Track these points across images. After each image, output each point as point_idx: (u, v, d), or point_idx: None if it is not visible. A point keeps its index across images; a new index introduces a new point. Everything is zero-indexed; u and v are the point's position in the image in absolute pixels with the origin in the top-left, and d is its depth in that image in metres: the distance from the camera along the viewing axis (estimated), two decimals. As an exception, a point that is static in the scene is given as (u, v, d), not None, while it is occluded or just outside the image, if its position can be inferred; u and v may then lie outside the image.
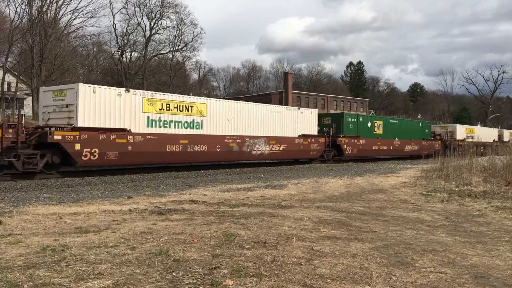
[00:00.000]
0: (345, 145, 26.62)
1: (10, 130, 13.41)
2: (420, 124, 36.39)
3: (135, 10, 54.06)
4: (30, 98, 39.63)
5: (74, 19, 41.68)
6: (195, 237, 5.96)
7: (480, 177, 14.38)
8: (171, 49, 59.12)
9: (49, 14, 38.09)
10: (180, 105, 18.01)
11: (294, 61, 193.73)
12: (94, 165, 16.05)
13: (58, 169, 15.32)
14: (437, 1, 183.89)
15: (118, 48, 54.85)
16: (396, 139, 31.91)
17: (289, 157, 24.17)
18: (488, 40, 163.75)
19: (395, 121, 34.04)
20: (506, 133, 51.12)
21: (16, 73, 41.08)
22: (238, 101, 21.20)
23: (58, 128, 14.61)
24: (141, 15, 54.85)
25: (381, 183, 14.54)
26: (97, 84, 18.23)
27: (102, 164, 16.07)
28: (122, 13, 54.76)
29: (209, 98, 19.95)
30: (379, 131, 30.32)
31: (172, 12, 56.93)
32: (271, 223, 7.09)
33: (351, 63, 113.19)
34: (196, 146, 18.21)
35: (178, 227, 6.66)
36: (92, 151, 14.90)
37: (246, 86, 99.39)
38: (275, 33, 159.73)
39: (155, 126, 17.05)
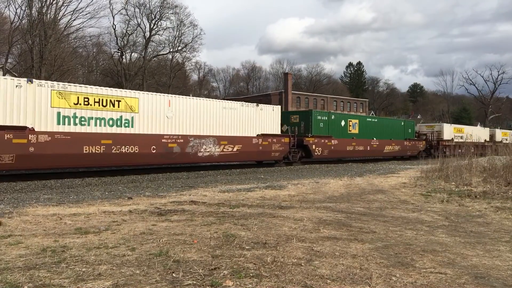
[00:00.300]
0: (313, 146, 24.31)
1: None
2: (402, 123, 34.12)
3: (135, 11, 54.16)
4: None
5: (74, 20, 41.74)
6: (195, 238, 5.96)
7: (480, 178, 14.39)
8: (171, 50, 59.21)
9: (49, 15, 38.10)
10: (103, 99, 15.43)
11: (294, 61, 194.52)
12: None
13: None
14: (437, 1, 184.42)
15: (118, 49, 54.90)
16: (374, 139, 29.62)
17: (246, 159, 21.65)
18: (488, 41, 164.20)
19: (373, 120, 31.42)
20: (499, 133, 49.11)
21: (16, 74, 41.06)
22: (180, 96, 18.58)
23: None
24: (141, 16, 54.95)
25: (381, 183, 14.54)
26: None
27: None
28: (122, 14, 54.94)
29: (142, 92, 17.30)
30: (355, 130, 28.08)
31: (172, 13, 57.06)
32: (271, 224, 7.09)
33: (350, 64, 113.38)
34: (123, 147, 15.71)
35: (178, 228, 6.66)
36: None
37: (246, 87, 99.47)
38: (275, 34, 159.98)
39: (69, 124, 14.58)
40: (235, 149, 19.81)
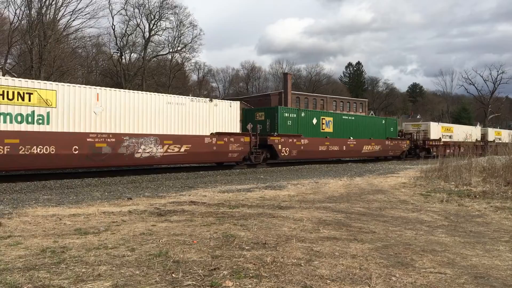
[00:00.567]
0: (279, 146, 22.09)
1: None
2: (383, 121, 31.91)
3: (134, 11, 54.21)
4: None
5: (73, 20, 41.78)
6: (195, 238, 5.96)
7: (480, 177, 14.40)
8: (170, 50, 59.24)
9: (48, 16, 38.09)
10: (8, 92, 13.31)
11: (293, 62, 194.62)
12: None
13: None
14: (436, 1, 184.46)
15: (117, 49, 54.95)
16: (351, 138, 27.57)
17: (198, 161, 19.38)
18: (487, 41, 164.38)
19: (349, 118, 29.00)
20: (491, 132, 46.76)
21: (16, 75, 41.06)
22: (113, 89, 16.36)
23: None
24: (140, 16, 55.00)
25: (381, 183, 14.54)
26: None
27: None
28: (121, 14, 55.17)
29: (61, 83, 14.97)
30: (329, 129, 26.03)
31: (171, 13, 57.15)
32: (270, 224, 7.09)
33: (350, 64, 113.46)
34: (35, 147, 13.59)
35: (178, 228, 6.66)
36: None
37: (246, 87, 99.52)
38: (274, 34, 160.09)
39: None
40: (182, 150, 17.68)
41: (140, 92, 17.64)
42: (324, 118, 25.95)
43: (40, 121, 14.01)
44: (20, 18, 36.95)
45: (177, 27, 58.09)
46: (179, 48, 59.41)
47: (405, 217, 8.22)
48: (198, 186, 13.26)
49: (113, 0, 68.49)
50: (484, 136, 44.64)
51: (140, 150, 16.26)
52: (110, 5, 51.89)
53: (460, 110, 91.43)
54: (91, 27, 62.79)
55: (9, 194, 11.10)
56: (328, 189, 12.63)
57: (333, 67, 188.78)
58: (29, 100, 13.79)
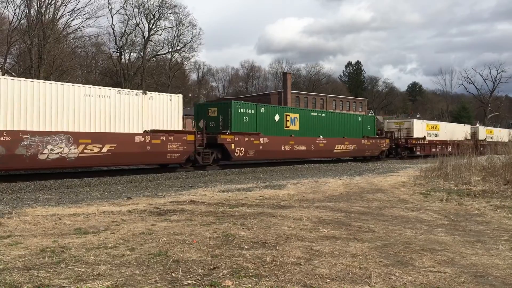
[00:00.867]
0: (232, 145, 19.66)
1: None
2: (360, 119, 29.40)
3: (133, 11, 54.23)
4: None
5: (73, 20, 41.76)
6: (195, 238, 5.96)
7: (479, 176, 14.40)
8: (170, 49, 59.23)
9: (47, 15, 38.07)
10: None
11: (293, 61, 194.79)
12: None
13: None
14: (436, 1, 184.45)
15: (117, 49, 54.97)
16: (321, 137, 25.10)
17: (126, 163, 16.77)
18: (487, 40, 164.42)
19: (319, 114, 26.38)
20: (482, 131, 44.32)
21: (15, 75, 41.02)
22: (9, 78, 13.83)
23: None
24: (139, 16, 55.02)
25: (380, 182, 14.55)
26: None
27: None
28: (120, 13, 55.13)
29: None
30: (294, 126, 23.55)
31: (171, 13, 57.16)
32: (270, 223, 7.09)
33: (349, 63, 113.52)
34: None
35: (178, 228, 6.66)
36: None
37: (245, 86, 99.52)
38: (274, 34, 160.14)
39: None
40: (104, 150, 14.97)
41: (48, 82, 15.06)
42: (288, 115, 23.48)
43: None
44: (19, 18, 36.98)
45: (176, 26, 58.19)
46: (178, 48, 59.48)
47: (405, 216, 8.22)
48: (198, 185, 13.27)
49: (113, -1, 68.41)
50: (474, 134, 42.44)
51: (45, 151, 13.69)
52: (110, 5, 52.09)
53: (459, 109, 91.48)
54: (90, 27, 62.98)
55: (8, 194, 11.10)
56: (328, 188, 12.63)
57: (333, 67, 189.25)
58: None
